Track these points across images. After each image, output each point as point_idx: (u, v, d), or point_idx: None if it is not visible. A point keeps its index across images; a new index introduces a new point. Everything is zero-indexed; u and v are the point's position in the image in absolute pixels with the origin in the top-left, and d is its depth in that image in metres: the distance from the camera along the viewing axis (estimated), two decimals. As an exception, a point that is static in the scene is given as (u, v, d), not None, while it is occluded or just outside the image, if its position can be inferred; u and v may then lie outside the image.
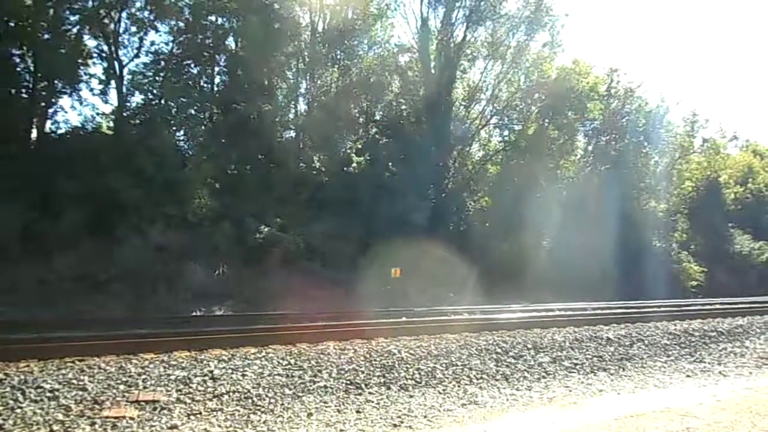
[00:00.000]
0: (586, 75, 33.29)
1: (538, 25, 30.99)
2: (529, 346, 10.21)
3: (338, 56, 28.60)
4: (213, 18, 23.85)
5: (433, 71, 29.62)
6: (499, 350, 9.72)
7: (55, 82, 20.77)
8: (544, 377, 8.75)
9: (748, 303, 21.99)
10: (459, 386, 7.93)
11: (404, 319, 13.47)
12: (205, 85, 24.67)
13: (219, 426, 5.87)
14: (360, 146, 26.97)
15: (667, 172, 39.54)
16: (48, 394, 6.15)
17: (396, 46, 31.13)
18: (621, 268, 27.38)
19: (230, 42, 25.10)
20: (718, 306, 20.18)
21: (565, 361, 9.68)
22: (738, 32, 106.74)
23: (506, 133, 34.10)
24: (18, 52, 19.80)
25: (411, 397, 7.29)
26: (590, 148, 36.39)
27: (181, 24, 23.04)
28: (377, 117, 30.34)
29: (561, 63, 32.89)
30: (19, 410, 5.73)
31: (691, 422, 6.10)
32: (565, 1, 60.57)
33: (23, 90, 20.21)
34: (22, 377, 6.49)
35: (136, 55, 22.47)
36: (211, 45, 23.90)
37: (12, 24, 19.43)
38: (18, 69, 19.93)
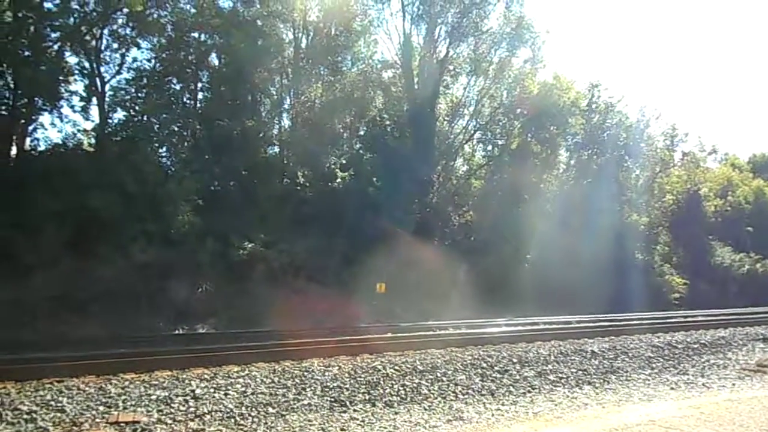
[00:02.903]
0: (567, 90, 33.76)
1: (519, 42, 31.42)
2: (515, 360, 10.21)
3: (322, 72, 28.70)
4: (196, 34, 23.83)
5: (416, 87, 29.82)
6: (484, 365, 9.71)
7: (36, 99, 20.52)
8: (529, 392, 8.74)
9: (729, 315, 22.21)
10: (444, 402, 7.89)
11: (389, 334, 13.41)
12: (188, 101, 24.57)
13: (201, 447, 5.77)
14: (344, 161, 26.96)
15: (648, 186, 40.04)
16: (25, 416, 6.03)
17: (379, 62, 31.37)
18: (604, 281, 27.51)
19: (213, 58, 25.08)
20: (700, 318, 20.36)
21: (550, 375, 9.69)
22: (715, 47, 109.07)
23: (490, 147, 34.44)
24: (-2, 69, 19.59)
25: (396, 413, 7.23)
26: (572, 162, 36.79)
27: (164, 40, 22.98)
28: (361, 132, 30.43)
29: (543, 78, 33.40)
30: (-6, 434, 5.60)
31: (675, 435, 6.12)
32: (546, 17, 61.75)
33: (3, 107, 19.91)
34: (-1, 399, 6.35)
35: (118, 72, 22.34)
36: (193, 61, 23.85)
37: (-8, 41, 19.24)
38: (-2, 86, 19.72)
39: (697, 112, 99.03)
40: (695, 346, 13.33)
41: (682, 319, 19.74)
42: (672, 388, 9.51)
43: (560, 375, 9.74)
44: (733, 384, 10.02)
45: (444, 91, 31.73)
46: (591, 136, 35.41)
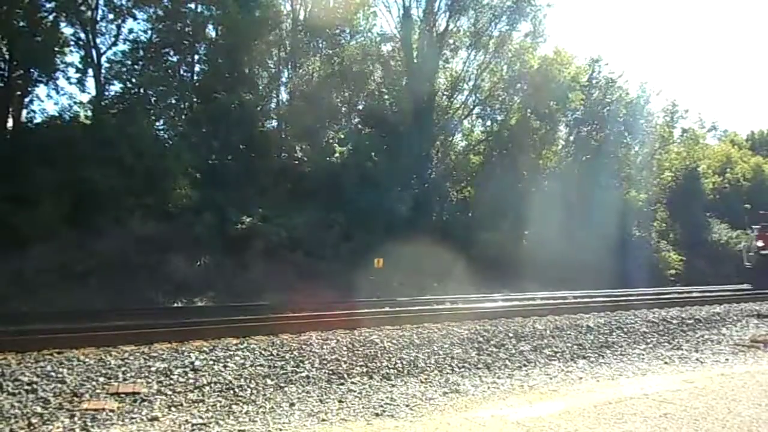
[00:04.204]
0: (567, 65, 33.44)
1: (520, 15, 31.06)
2: (511, 334, 10.28)
3: (320, 45, 28.41)
4: (192, 6, 23.59)
5: (415, 61, 29.55)
6: (480, 339, 9.78)
7: (31, 70, 20.36)
8: (525, 365, 8.82)
9: (725, 291, 22.34)
10: (441, 375, 7.96)
11: (387, 309, 13.49)
12: (185, 74, 24.38)
13: (200, 417, 5.83)
14: (342, 136, 26.85)
15: (647, 162, 39.92)
16: (26, 387, 6.07)
17: (378, 36, 31.01)
18: (602, 258, 27.62)
19: (210, 30, 24.84)
20: (696, 294, 20.48)
21: (546, 349, 9.77)
22: (716, 23, 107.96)
23: (489, 123, 34.28)
24: (-8, 40, 19.40)
25: (393, 386, 7.30)
26: (572, 138, 36.62)
27: (160, 11, 22.71)
28: (360, 107, 30.25)
29: (543, 53, 33.05)
30: (-5, 404, 5.64)
31: (668, 408, 6.19)
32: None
33: (-2, 78, 19.83)
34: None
35: (114, 44, 22.15)
36: (190, 33, 23.59)
37: (-14, 11, 19.00)
38: (-8, 57, 19.54)
39: (698, 88, 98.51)
40: (690, 321, 13.42)
41: (678, 295, 19.86)
42: (666, 363, 9.60)
43: (556, 349, 9.82)
44: (727, 359, 10.10)
45: (443, 65, 31.47)
46: (591, 111, 35.21)
